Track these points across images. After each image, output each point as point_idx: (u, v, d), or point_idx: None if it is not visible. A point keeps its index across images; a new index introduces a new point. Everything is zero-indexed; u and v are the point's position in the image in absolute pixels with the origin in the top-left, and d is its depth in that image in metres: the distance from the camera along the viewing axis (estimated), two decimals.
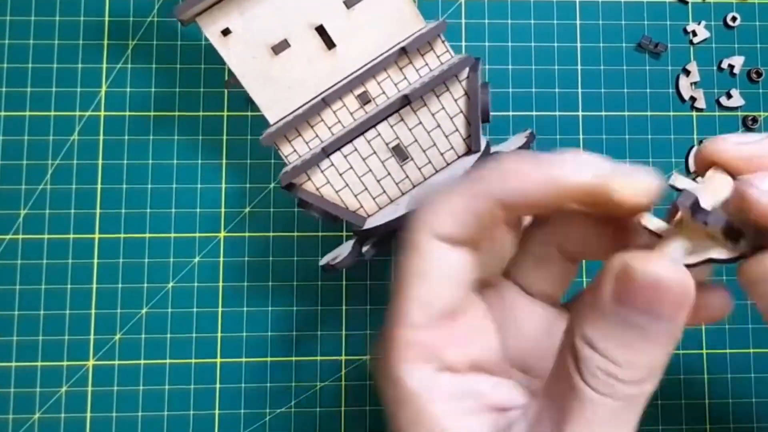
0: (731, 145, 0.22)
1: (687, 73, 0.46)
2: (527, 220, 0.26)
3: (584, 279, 0.44)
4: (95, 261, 0.44)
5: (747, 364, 0.45)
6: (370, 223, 0.36)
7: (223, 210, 0.45)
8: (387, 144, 0.36)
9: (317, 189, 0.36)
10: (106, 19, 0.45)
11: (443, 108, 0.36)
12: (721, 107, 0.46)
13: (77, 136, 0.45)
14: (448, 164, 0.37)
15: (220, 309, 0.44)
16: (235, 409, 0.44)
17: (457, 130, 0.36)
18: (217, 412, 0.44)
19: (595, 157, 0.23)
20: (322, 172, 0.35)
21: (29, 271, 0.44)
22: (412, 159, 0.36)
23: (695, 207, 0.20)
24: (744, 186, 0.20)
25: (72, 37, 0.45)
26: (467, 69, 0.35)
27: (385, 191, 0.36)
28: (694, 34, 0.46)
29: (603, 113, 0.46)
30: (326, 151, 0.34)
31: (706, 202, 0.21)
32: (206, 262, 0.44)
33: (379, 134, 0.35)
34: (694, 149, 0.24)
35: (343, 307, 0.45)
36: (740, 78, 0.46)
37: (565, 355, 0.22)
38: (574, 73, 0.46)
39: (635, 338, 0.20)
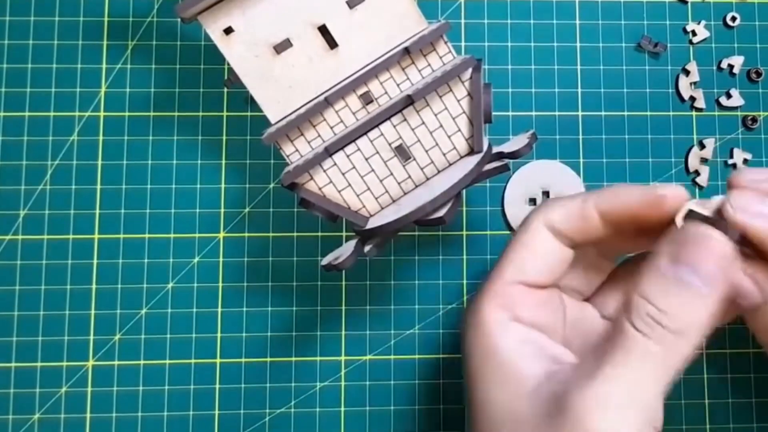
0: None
1: (687, 72, 0.46)
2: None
3: None
4: (95, 261, 0.44)
5: (747, 364, 0.45)
6: (372, 223, 0.36)
7: (222, 210, 0.45)
8: (390, 144, 0.36)
9: (320, 189, 0.36)
10: (106, 19, 0.45)
11: (446, 108, 0.36)
12: (721, 107, 0.46)
13: (77, 137, 0.44)
14: (450, 164, 0.37)
15: (219, 309, 0.44)
16: (234, 410, 0.44)
17: (459, 130, 0.36)
18: (216, 412, 0.43)
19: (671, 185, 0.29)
20: (324, 171, 0.35)
21: (29, 271, 0.44)
22: (414, 159, 0.36)
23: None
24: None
25: (71, 38, 0.45)
26: (470, 70, 0.35)
27: (387, 191, 0.36)
28: (694, 33, 0.46)
29: (603, 113, 0.46)
30: (329, 151, 0.34)
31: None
32: (206, 263, 0.44)
33: (382, 134, 0.35)
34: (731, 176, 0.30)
35: (343, 308, 0.44)
36: (740, 78, 0.47)
37: (618, 315, 0.27)
38: (573, 73, 0.46)
39: (681, 292, 0.26)
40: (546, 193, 0.45)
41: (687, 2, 0.47)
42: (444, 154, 0.36)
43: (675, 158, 0.46)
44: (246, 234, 0.45)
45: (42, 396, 0.43)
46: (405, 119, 0.35)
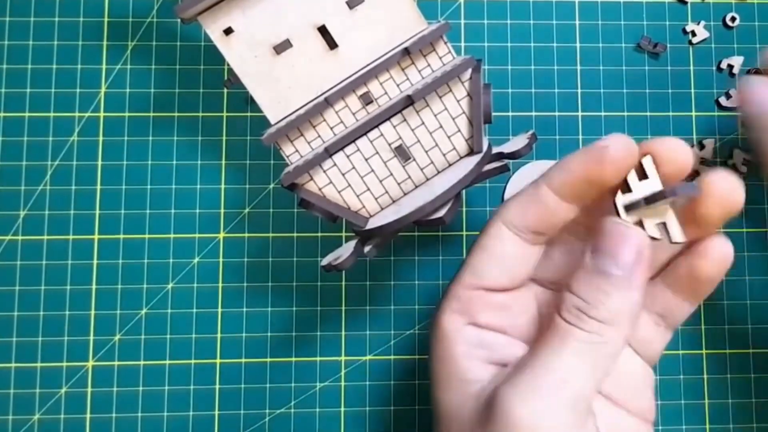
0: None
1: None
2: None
3: None
4: (95, 262, 0.44)
5: (747, 364, 0.45)
6: (372, 224, 0.36)
7: (222, 211, 0.45)
8: (390, 144, 0.36)
9: (320, 189, 0.36)
10: (106, 19, 0.45)
11: (446, 109, 0.36)
12: (721, 107, 0.46)
13: (77, 137, 0.44)
14: (450, 165, 0.37)
15: (219, 310, 0.44)
16: (234, 410, 0.44)
17: (459, 130, 0.36)
18: (216, 412, 0.43)
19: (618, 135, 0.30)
20: (324, 172, 0.35)
21: (29, 272, 0.44)
22: (414, 159, 0.36)
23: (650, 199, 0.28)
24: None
25: (71, 38, 0.45)
26: (470, 70, 0.35)
27: (387, 191, 0.36)
28: (693, 34, 0.46)
29: (602, 113, 0.46)
30: (329, 151, 0.34)
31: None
32: (206, 263, 0.44)
33: (382, 134, 0.35)
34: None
35: (343, 308, 0.44)
36: (739, 78, 0.46)
37: (550, 311, 0.29)
38: (573, 73, 0.46)
39: (603, 282, 0.27)
40: None
41: (687, 3, 0.47)
42: (444, 155, 0.36)
43: None
44: (246, 234, 0.45)
45: (42, 396, 0.43)
46: (405, 120, 0.35)
